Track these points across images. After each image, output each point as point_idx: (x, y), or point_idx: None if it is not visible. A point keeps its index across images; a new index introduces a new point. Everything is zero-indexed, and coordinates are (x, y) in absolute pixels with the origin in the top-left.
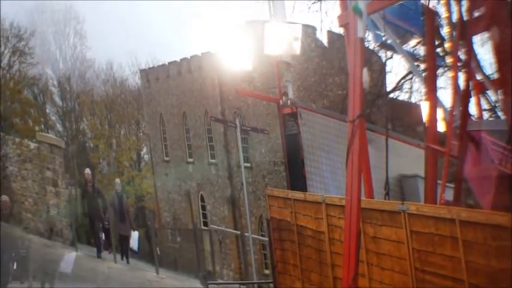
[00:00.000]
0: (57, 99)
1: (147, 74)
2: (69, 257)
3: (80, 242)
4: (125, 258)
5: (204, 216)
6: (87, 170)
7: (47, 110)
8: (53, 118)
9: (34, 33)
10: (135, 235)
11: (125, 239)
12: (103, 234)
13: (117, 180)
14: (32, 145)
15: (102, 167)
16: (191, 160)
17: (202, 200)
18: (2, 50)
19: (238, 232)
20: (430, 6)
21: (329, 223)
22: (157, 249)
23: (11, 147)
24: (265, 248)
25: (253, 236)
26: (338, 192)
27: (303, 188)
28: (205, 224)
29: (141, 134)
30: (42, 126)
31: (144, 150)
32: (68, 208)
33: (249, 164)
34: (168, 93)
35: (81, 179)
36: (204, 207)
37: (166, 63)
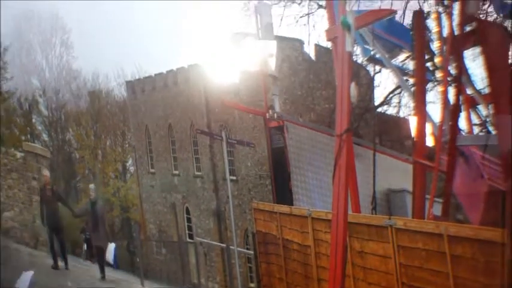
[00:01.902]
0: (43, 108)
1: (133, 85)
2: (26, 276)
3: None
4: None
5: (190, 228)
6: (45, 172)
7: (33, 120)
8: (39, 128)
9: (8, 48)
10: (111, 247)
11: (100, 250)
12: (85, 245)
13: (91, 185)
14: (18, 154)
15: (87, 178)
16: (177, 172)
17: (188, 212)
18: None
19: (224, 245)
20: (420, 21)
21: (315, 237)
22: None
23: None
24: (251, 261)
25: (238, 249)
26: (324, 206)
27: (289, 202)
28: (191, 236)
29: (127, 145)
30: (29, 136)
31: (130, 161)
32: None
33: (234, 177)
34: (154, 104)
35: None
36: (189, 220)
37: (153, 74)
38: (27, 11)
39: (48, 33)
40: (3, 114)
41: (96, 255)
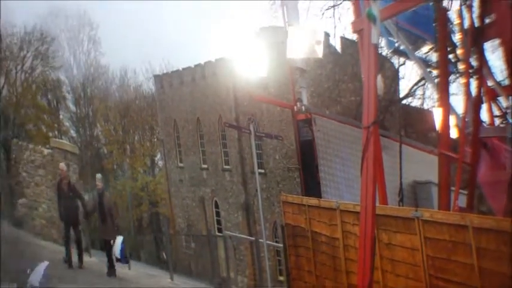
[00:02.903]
0: (70, 105)
1: (161, 79)
2: (40, 267)
3: (93, 247)
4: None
5: (219, 222)
6: (62, 165)
7: (61, 116)
8: (67, 124)
9: (55, 37)
10: (118, 240)
11: (108, 244)
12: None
13: (98, 175)
14: (46, 151)
15: (116, 173)
16: (205, 166)
17: (217, 206)
18: (24, 53)
19: (253, 238)
20: (443, 12)
21: (343, 229)
22: (163, 253)
23: (24, 153)
24: (280, 254)
25: (267, 242)
26: (352, 198)
27: (318, 194)
28: (220, 230)
29: (155, 140)
30: (56, 132)
31: (158, 156)
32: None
33: (263, 170)
34: (182, 99)
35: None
36: (218, 214)
37: (181, 69)
38: (53, 8)
39: (75, 29)
40: (31, 111)
41: (105, 248)
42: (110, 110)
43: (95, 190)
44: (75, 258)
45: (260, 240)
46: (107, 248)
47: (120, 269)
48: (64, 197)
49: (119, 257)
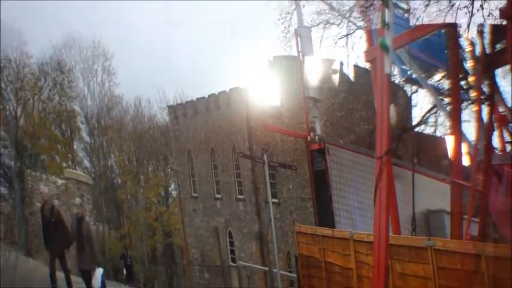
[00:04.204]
0: (84, 135)
1: (175, 110)
2: (98, 273)
3: (107, 278)
4: None
5: (232, 252)
6: (42, 188)
7: (75, 147)
8: (81, 154)
9: (73, 67)
10: (98, 273)
11: (86, 274)
12: (124, 270)
13: (78, 200)
14: (60, 181)
15: (130, 203)
16: (219, 196)
17: (230, 236)
18: (42, 83)
19: (267, 268)
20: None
21: (357, 259)
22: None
23: (38, 183)
24: (294, 284)
25: (281, 272)
26: (365, 228)
27: (331, 224)
28: (233, 260)
29: (169, 170)
30: (70, 163)
31: (172, 186)
32: (95, 244)
33: (276, 200)
34: (196, 129)
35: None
36: (232, 243)
37: (195, 99)
38: (67, 39)
39: (89, 60)
40: (44, 141)
41: (83, 280)
42: (124, 140)
43: (74, 215)
44: None
45: (274, 270)
46: (85, 280)
47: None
48: (47, 223)
49: None
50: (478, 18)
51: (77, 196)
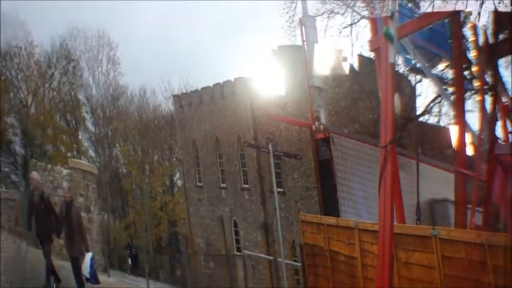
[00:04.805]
0: (89, 125)
1: (180, 99)
2: (87, 259)
3: (112, 267)
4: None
5: (237, 241)
6: (34, 174)
7: (80, 136)
8: (86, 144)
9: (79, 58)
10: (87, 258)
11: (76, 261)
12: (129, 260)
13: (66, 183)
14: (65, 171)
15: (135, 193)
16: (224, 185)
17: (235, 225)
18: (51, 71)
19: (271, 257)
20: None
21: (362, 248)
22: (179, 272)
23: (42, 173)
24: (298, 273)
25: (286, 261)
26: (370, 216)
27: (336, 213)
28: (239, 249)
29: (174, 159)
30: (75, 153)
31: (177, 175)
32: (101, 234)
33: (281, 189)
34: (201, 118)
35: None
36: (237, 233)
37: (199, 88)
38: (73, 29)
39: (94, 50)
40: (50, 132)
41: (72, 267)
42: (129, 130)
43: (63, 201)
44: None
45: (279, 259)
46: (75, 267)
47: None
48: (36, 210)
49: (88, 276)
50: (489, 5)
51: (82, 186)
